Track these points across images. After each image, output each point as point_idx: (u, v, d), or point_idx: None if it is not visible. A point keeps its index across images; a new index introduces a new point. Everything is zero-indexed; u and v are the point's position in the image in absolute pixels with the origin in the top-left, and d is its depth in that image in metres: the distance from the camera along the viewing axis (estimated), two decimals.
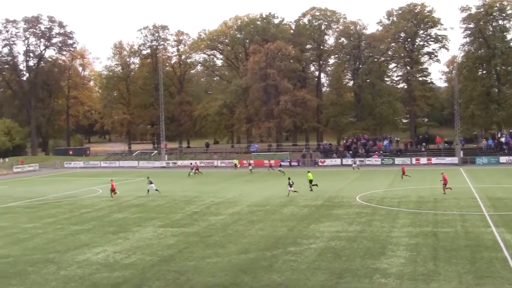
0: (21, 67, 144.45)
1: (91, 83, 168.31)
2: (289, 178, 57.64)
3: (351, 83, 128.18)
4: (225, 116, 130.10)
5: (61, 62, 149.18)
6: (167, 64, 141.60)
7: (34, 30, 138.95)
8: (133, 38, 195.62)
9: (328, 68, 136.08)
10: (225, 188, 65.90)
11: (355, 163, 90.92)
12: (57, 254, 32.07)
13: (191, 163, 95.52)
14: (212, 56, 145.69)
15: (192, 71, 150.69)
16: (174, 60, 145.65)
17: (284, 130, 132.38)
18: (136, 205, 52.72)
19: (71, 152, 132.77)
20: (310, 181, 60.19)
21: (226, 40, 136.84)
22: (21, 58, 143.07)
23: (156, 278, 26.33)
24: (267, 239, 34.36)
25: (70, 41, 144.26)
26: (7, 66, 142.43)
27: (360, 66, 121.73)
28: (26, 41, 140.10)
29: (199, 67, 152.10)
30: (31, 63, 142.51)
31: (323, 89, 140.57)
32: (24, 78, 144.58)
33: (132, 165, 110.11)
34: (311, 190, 59.19)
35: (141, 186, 70.69)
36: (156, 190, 60.58)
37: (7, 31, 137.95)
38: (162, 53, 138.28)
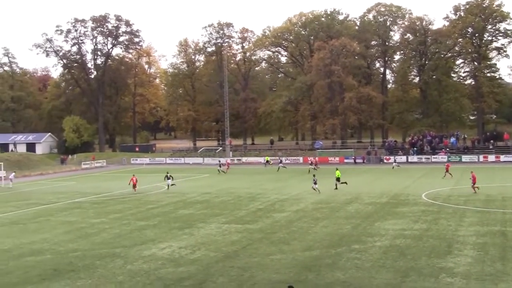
0: (89, 65, 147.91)
1: (157, 80, 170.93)
2: (314, 175, 59.72)
3: (417, 79, 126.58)
4: (289, 113, 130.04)
5: (127, 60, 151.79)
6: (232, 61, 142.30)
7: (102, 29, 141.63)
8: (198, 35, 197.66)
9: (394, 64, 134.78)
10: (290, 185, 65.90)
11: (395, 162, 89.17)
12: (123, 248, 32.59)
13: (219, 160, 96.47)
14: (276, 53, 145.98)
15: (256, 68, 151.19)
16: (238, 57, 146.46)
17: (349, 127, 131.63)
18: (201, 201, 53.16)
19: (137, 149, 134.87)
20: (337, 178, 59.95)
21: (291, 37, 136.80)
22: (89, 56, 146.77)
23: (220, 274, 26.49)
24: (331, 236, 34.20)
25: (136, 40, 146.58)
26: (76, 64, 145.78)
27: (426, 62, 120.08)
28: (94, 40, 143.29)
29: (263, 64, 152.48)
30: (98, 61, 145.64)
31: (388, 86, 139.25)
32: (92, 76, 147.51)
33: (197, 161, 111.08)
34: (336, 188, 59.01)
35: (207, 182, 71.64)
36: (173, 184, 63.99)
37: (76, 30, 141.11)
38: (227, 50, 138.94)
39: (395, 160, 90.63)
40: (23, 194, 65.84)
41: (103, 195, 61.30)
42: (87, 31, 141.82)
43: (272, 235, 35.20)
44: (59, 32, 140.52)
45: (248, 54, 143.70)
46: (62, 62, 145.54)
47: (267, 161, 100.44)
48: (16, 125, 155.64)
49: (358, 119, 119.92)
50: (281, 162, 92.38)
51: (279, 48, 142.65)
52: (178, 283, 25.36)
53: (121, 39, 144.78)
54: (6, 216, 47.55)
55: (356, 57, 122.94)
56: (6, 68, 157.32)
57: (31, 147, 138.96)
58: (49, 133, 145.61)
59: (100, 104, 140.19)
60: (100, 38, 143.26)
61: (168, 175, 65.53)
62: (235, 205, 49.79)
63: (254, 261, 28.63)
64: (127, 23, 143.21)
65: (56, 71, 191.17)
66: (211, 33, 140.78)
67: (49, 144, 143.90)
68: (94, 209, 50.33)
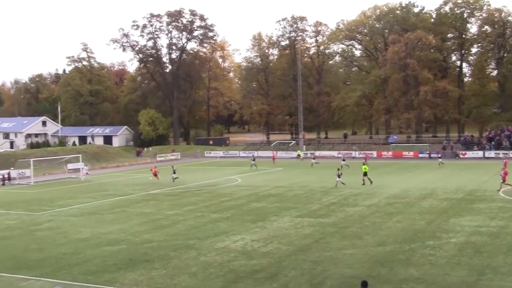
0: (164, 59, 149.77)
1: (231, 74, 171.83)
2: (338, 169, 59.96)
3: (495, 72, 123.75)
4: (363, 107, 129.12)
5: (202, 54, 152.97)
6: (306, 55, 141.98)
7: (177, 23, 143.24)
8: (272, 29, 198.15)
9: (471, 57, 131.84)
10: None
11: (439, 158, 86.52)
12: (197, 240, 33.02)
13: (252, 155, 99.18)
14: (350, 47, 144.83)
15: (330, 62, 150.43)
16: (312, 51, 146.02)
17: (424, 121, 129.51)
18: (273, 194, 53.33)
19: (211, 142, 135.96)
20: (365, 173, 59.37)
21: (365, 30, 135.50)
22: (164, 51, 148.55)
23: (292, 268, 26.55)
24: (405, 232, 33.84)
25: (210, 34, 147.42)
26: (151, 58, 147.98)
27: (505, 54, 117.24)
28: (169, 35, 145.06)
29: (337, 58, 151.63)
30: (173, 55, 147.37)
31: (465, 79, 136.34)
32: (167, 70, 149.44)
33: (270, 155, 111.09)
34: (363, 183, 58.56)
35: (279, 176, 71.70)
36: (176, 177, 66.91)
37: (151, 25, 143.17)
38: (301, 44, 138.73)
39: (440, 156, 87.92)
40: (101, 185, 67.42)
41: (177, 187, 62.13)
42: (162, 26, 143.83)
43: (345, 230, 35.08)
44: (135, 27, 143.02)
45: (321, 47, 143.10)
46: (138, 56, 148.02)
47: (298, 155, 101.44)
48: (94, 118, 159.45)
49: (433, 113, 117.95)
50: (314, 158, 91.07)
51: (353, 42, 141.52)
52: (251, 275, 25.56)
53: (195, 33, 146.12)
54: (85, 207, 48.87)
55: (432, 50, 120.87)
56: (84, 63, 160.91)
57: (108, 139, 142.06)
58: (125, 126, 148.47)
59: (175, 98, 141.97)
60: (175, 33, 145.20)
61: (174, 169, 69.11)
62: (308, 198, 49.78)
63: (327, 255, 28.61)
64: (202, 18, 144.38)
65: (132, 65, 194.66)
66: (284, 27, 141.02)
67: (125, 137, 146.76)
68: (169, 201, 51.15)
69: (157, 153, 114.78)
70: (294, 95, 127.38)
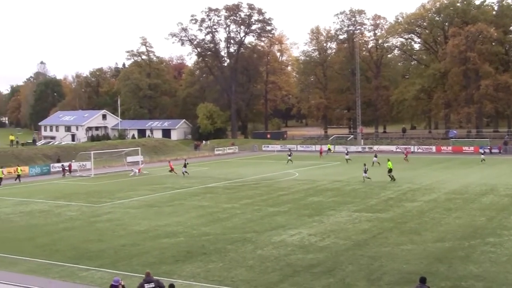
0: (222, 53, 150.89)
1: (289, 68, 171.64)
2: (364, 165, 60.30)
3: None
4: (422, 101, 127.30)
5: (260, 48, 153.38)
6: (364, 48, 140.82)
7: (235, 17, 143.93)
8: (330, 23, 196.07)
9: None
10: (422, 174, 64.63)
11: (483, 154, 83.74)
12: (254, 234, 33.17)
13: (289, 149, 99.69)
14: (409, 40, 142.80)
15: (389, 56, 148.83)
16: (370, 44, 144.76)
17: (485, 115, 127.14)
18: (331, 189, 53.16)
19: (269, 136, 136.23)
20: (390, 170, 58.79)
21: (424, 23, 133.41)
22: (222, 45, 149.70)
23: (349, 262, 26.46)
24: (465, 228, 33.37)
25: (268, 28, 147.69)
26: (209, 52, 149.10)
27: None
28: (227, 29, 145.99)
29: (396, 51, 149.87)
30: (231, 49, 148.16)
31: None
32: (225, 64, 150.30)
33: (326, 149, 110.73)
34: (393, 179, 58.03)
35: (337, 170, 71.37)
36: (184, 172, 68.05)
37: (209, 20, 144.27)
38: (359, 37, 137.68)
39: (483, 152, 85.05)
40: (159, 178, 68.11)
41: (234, 180, 62.46)
42: (220, 20, 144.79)
43: (403, 225, 34.78)
44: (193, 21, 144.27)
45: (380, 41, 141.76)
46: (196, 50, 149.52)
47: (329, 149, 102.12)
48: (153, 111, 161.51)
49: (494, 108, 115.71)
50: (347, 153, 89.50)
51: (412, 35, 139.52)
52: (307, 269, 25.56)
53: (253, 27, 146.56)
54: (143, 199, 49.53)
55: (494, 43, 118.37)
56: (143, 57, 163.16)
57: (166, 133, 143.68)
58: (184, 120, 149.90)
59: (232, 92, 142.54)
60: (233, 27, 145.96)
61: (186, 162, 71.13)
62: (366, 193, 49.49)
63: (384, 251, 28.42)
64: (260, 12, 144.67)
65: (190, 59, 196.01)
66: (343, 21, 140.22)
67: (184, 130, 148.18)
68: (226, 194, 51.44)
69: (215, 146, 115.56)
70: (352, 89, 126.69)
